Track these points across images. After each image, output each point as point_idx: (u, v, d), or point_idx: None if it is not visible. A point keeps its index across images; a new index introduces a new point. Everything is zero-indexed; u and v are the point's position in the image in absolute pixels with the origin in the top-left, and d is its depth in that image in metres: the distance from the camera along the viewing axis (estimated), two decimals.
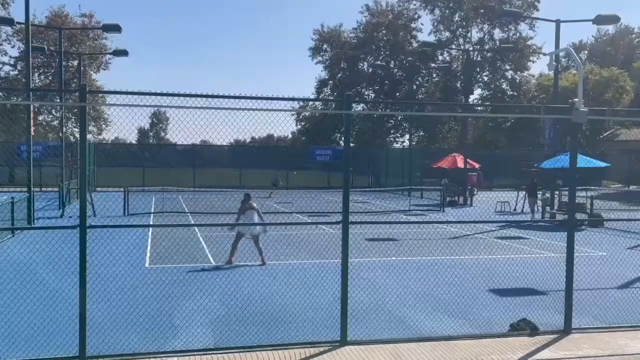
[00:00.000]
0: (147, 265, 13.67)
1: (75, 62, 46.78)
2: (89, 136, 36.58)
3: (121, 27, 26.46)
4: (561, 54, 34.58)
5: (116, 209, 22.96)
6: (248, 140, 58.03)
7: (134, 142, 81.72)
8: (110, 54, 46.65)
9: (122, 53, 34.21)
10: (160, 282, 11.28)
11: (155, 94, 7.36)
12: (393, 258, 14.54)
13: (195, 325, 8.72)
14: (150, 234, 18.00)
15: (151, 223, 21.29)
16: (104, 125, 56.13)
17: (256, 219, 13.87)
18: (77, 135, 38.58)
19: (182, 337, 8.21)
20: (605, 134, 58.26)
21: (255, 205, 14.11)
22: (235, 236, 13.99)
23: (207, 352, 7.49)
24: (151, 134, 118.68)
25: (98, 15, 63.16)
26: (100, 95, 37.36)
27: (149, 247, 15.90)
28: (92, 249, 7.96)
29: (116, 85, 7.52)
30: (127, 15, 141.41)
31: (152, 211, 25.36)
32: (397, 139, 65.67)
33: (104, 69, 55.93)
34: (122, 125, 7.96)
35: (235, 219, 14.27)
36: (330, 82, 65.16)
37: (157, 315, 9.16)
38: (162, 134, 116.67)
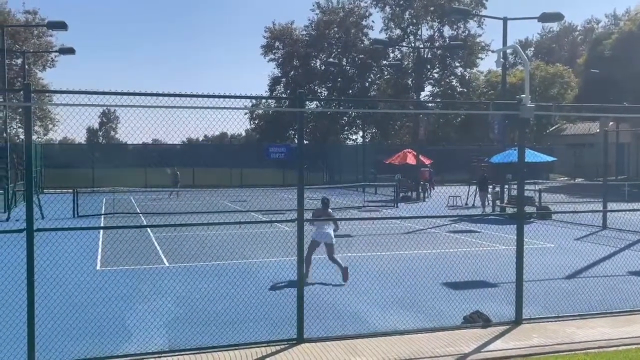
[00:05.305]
0: (98, 268, 13.37)
1: (20, 60, 45.36)
2: (35, 137, 35.52)
3: (67, 24, 25.76)
4: (508, 50, 35.41)
5: (65, 211, 22.36)
6: (201, 139, 57.49)
7: (82, 142, 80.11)
8: (56, 52, 45.39)
9: (69, 51, 33.24)
10: (112, 284, 11.04)
11: (104, 92, 7.16)
12: (348, 254, 14.60)
13: (149, 327, 8.56)
14: (101, 236, 17.60)
15: (102, 225, 20.85)
16: (50, 125, 54.63)
17: (329, 229, 11.90)
18: (22, 136, 37.33)
19: (136, 340, 8.05)
20: (551, 129, 59.95)
21: (331, 211, 12.32)
22: (308, 246, 11.38)
23: (162, 355, 7.38)
24: (100, 133, 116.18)
25: (43, 12, 61.37)
26: (47, 94, 36.45)
27: (100, 250, 15.55)
28: (40, 253, 7.72)
29: (65, 84, 7.33)
30: (76, 12, 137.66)
31: (103, 213, 24.83)
32: (351, 136, 66.20)
33: (50, 67, 54.43)
34: (70, 125, 7.73)
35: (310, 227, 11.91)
36: (283, 79, 65.08)
37: (110, 319, 8.97)
38: (112, 133, 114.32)
